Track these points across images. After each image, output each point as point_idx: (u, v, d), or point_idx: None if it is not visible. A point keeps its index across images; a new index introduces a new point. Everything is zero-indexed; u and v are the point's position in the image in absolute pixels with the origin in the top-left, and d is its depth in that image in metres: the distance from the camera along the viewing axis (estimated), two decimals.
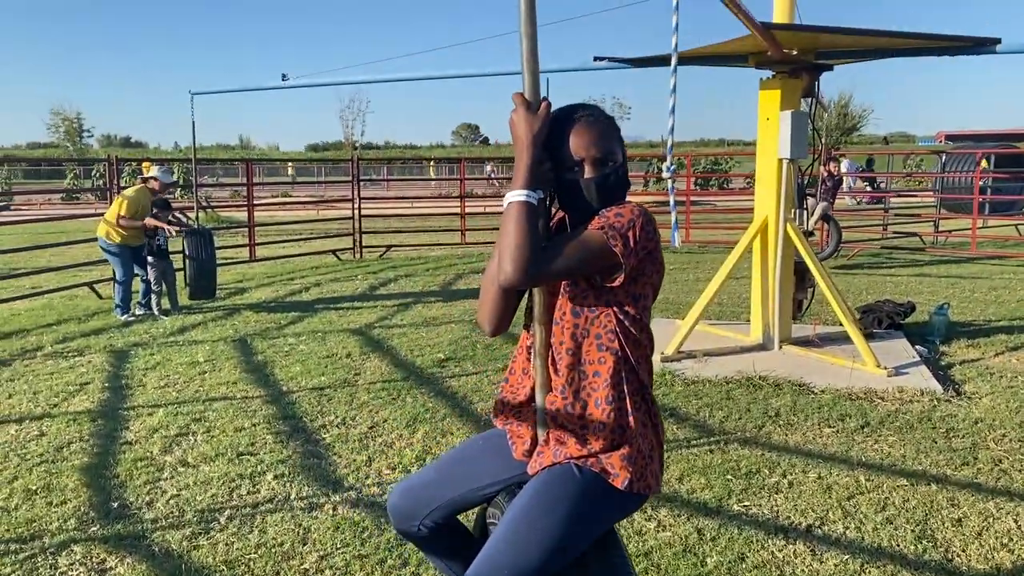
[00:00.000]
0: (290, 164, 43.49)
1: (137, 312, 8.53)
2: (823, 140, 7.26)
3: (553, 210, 2.03)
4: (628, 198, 1.98)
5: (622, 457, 1.87)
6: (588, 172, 1.90)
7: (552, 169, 1.90)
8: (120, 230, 8.35)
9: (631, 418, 1.90)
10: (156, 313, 8.52)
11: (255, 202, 13.50)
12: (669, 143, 3.13)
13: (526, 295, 2.04)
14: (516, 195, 1.81)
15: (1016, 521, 3.61)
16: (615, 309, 1.90)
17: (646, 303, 1.94)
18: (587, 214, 1.91)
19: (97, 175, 34.21)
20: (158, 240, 8.59)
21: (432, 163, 40.21)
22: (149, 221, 8.44)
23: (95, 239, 11.45)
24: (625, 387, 1.90)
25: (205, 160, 35.64)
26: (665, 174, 2.99)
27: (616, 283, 1.87)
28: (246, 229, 13.22)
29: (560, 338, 1.93)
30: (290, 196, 30.19)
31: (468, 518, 2.29)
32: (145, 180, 8.79)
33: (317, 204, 22.31)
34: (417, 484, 2.13)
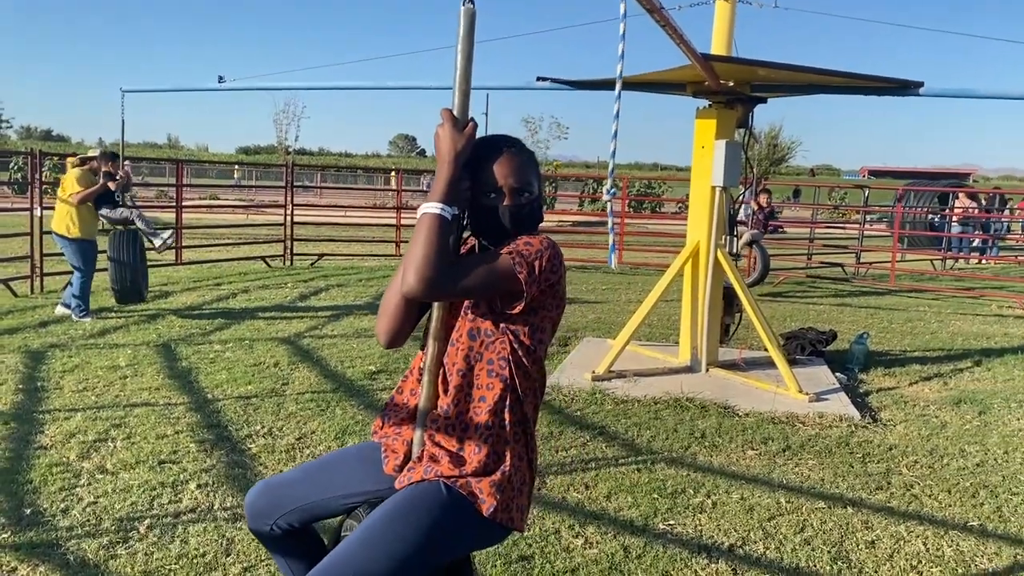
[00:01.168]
0: (236, 167, 42.52)
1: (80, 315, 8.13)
2: (755, 170, 7.48)
3: (465, 236, 2.06)
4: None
5: (492, 483, 1.88)
6: (506, 200, 1.95)
7: (470, 190, 1.94)
8: (78, 221, 8.03)
9: (508, 448, 1.92)
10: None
11: (182, 205, 13.18)
12: (611, 166, 3.20)
13: (426, 316, 2.05)
14: (431, 207, 1.84)
15: (925, 544, 3.77)
16: (511, 337, 1.92)
17: (542, 337, 1.97)
18: (498, 240, 1.96)
19: (15, 168, 32.88)
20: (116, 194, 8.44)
21: (395, 173, 38.31)
22: (111, 183, 8.35)
23: (10, 235, 11.06)
24: (507, 416, 1.92)
25: (132, 158, 34.61)
26: (605, 196, 3.05)
27: (515, 310, 1.90)
28: (173, 231, 12.88)
29: (453, 359, 1.94)
30: (219, 199, 29.53)
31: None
32: (84, 161, 8.47)
33: (247, 208, 21.93)
34: (277, 483, 2.09)
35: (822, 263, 15.81)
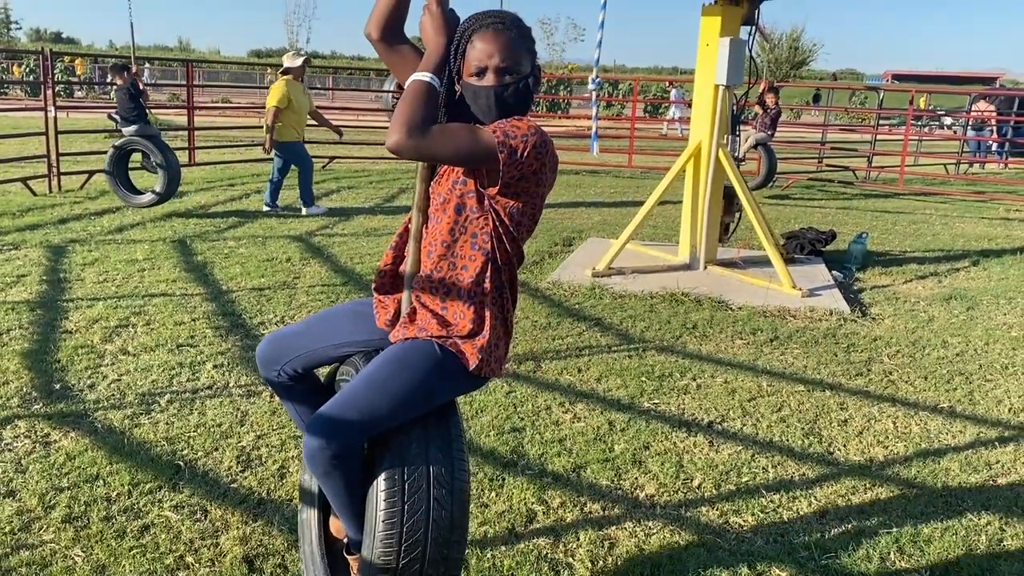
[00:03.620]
0: (269, 69, 41.90)
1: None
2: (759, 69, 7.46)
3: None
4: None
5: (474, 346, 2.05)
6: (489, 80, 1.96)
7: (455, 72, 2.01)
8: (284, 127, 8.85)
9: (487, 311, 2.06)
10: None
11: (194, 106, 13.22)
12: (597, 56, 3.31)
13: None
14: (419, 76, 1.94)
15: (895, 423, 4.01)
16: (494, 215, 2.02)
17: (522, 220, 2.03)
18: (482, 122, 2.01)
19: (27, 70, 32.73)
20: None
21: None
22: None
23: (25, 135, 11.23)
24: (487, 284, 2.05)
25: (144, 58, 34.32)
26: (591, 86, 3.19)
27: (492, 191, 1.99)
28: (185, 132, 12.99)
29: (438, 228, 2.06)
30: (231, 102, 29.38)
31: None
32: (286, 72, 8.99)
33: (259, 111, 21.85)
34: (283, 335, 2.31)
35: (832, 166, 15.75)
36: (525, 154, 1.91)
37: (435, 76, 1.95)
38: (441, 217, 2.06)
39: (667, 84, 27.35)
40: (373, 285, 2.28)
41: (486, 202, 2.01)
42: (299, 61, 9.00)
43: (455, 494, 1.96)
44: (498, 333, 2.11)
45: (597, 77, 3.23)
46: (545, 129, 2.05)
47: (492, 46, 1.96)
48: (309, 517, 2.44)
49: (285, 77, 8.90)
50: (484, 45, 1.97)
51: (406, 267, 2.13)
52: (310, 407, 2.28)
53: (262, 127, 9.36)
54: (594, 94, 3.22)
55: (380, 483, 1.95)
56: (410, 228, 2.14)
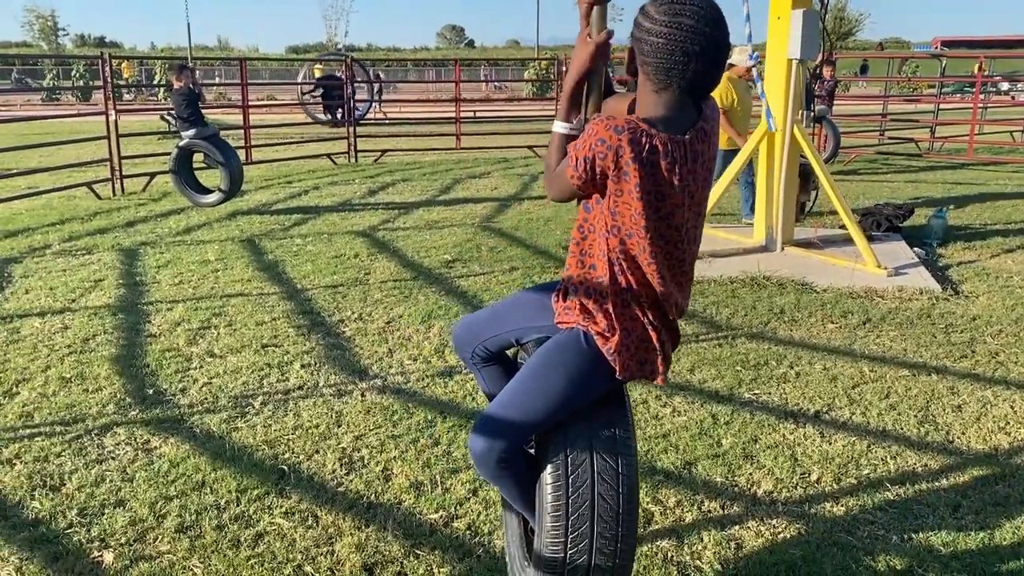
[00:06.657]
0: (316, 67, 42.31)
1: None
2: (831, 41, 7.20)
3: None
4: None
5: (608, 348, 2.02)
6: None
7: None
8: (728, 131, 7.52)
9: (616, 314, 2.01)
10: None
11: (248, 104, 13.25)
12: (747, 31, 3.22)
13: None
14: (554, 126, 2.07)
15: (1013, 407, 3.81)
16: (607, 215, 1.95)
17: (623, 221, 1.92)
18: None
19: (77, 75, 33.40)
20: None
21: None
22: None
23: (81, 140, 11.39)
24: (609, 287, 1.99)
25: (197, 59, 34.73)
26: (749, 62, 3.10)
27: (589, 197, 1.98)
28: (240, 131, 13.06)
29: (576, 228, 2.07)
30: (275, 99, 29.62)
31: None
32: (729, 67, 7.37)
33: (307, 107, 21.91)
34: (474, 319, 2.42)
35: (894, 139, 15.29)
36: (585, 158, 1.88)
37: (564, 121, 2.06)
38: (578, 217, 2.07)
39: None
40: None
41: (601, 201, 1.97)
42: (745, 57, 6.93)
43: (620, 488, 1.99)
44: (634, 337, 2.04)
45: (755, 52, 3.15)
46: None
47: None
48: (510, 518, 2.46)
49: (727, 74, 7.12)
50: None
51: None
52: (497, 384, 2.39)
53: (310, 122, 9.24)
54: (755, 71, 3.14)
55: (546, 477, 2.01)
56: None
